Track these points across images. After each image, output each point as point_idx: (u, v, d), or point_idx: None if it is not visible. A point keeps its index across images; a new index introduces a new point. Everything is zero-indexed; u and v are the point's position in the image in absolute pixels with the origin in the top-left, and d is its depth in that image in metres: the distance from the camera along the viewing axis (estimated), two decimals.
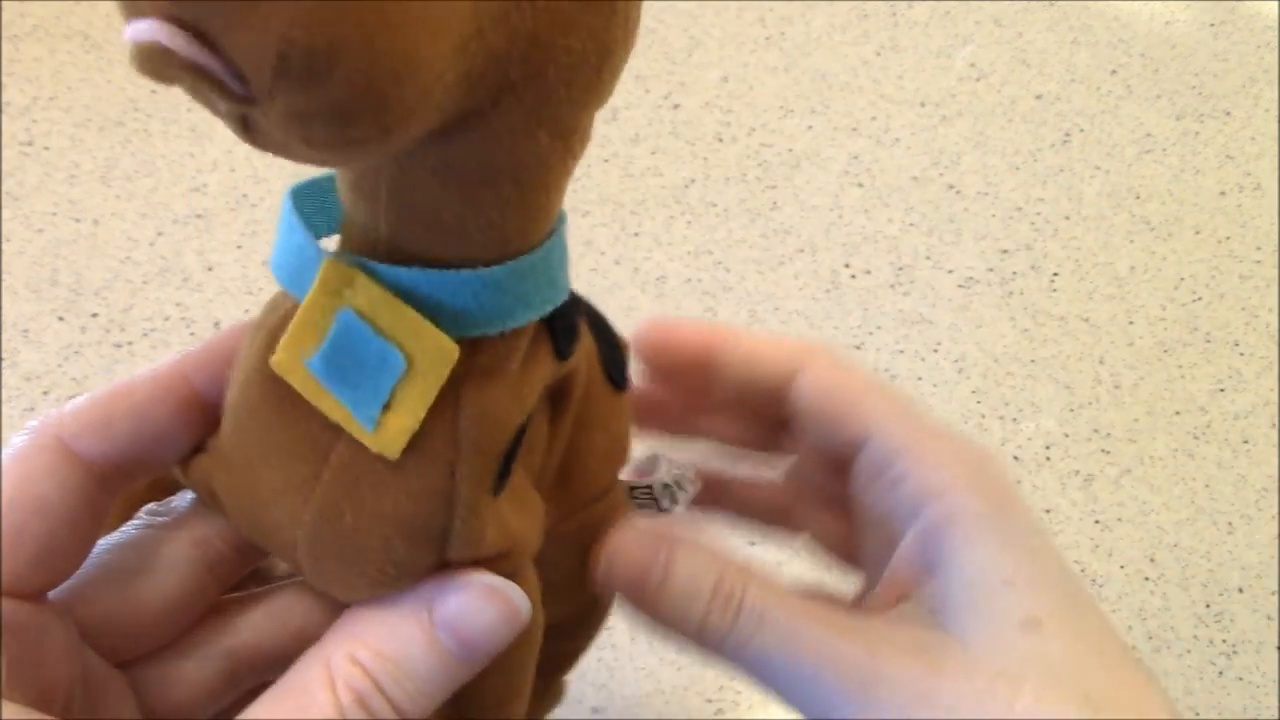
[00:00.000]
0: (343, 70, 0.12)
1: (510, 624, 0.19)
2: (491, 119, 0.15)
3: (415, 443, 0.17)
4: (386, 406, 0.16)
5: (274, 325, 0.18)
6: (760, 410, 0.26)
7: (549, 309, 0.18)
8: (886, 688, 0.19)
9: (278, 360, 0.17)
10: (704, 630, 0.21)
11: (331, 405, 0.17)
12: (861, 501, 0.24)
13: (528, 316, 0.17)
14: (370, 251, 0.17)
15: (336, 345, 0.16)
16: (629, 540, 0.22)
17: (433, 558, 0.18)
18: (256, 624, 0.21)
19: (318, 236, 0.18)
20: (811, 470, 0.27)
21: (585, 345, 0.21)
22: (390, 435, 0.17)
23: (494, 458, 0.18)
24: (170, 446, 0.20)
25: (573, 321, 0.20)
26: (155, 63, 0.12)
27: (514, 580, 0.19)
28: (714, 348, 0.25)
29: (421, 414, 0.17)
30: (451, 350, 0.16)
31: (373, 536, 0.18)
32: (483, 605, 0.19)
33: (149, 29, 0.12)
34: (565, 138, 0.16)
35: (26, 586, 0.18)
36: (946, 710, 0.19)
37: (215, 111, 0.14)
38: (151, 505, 0.21)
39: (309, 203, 0.18)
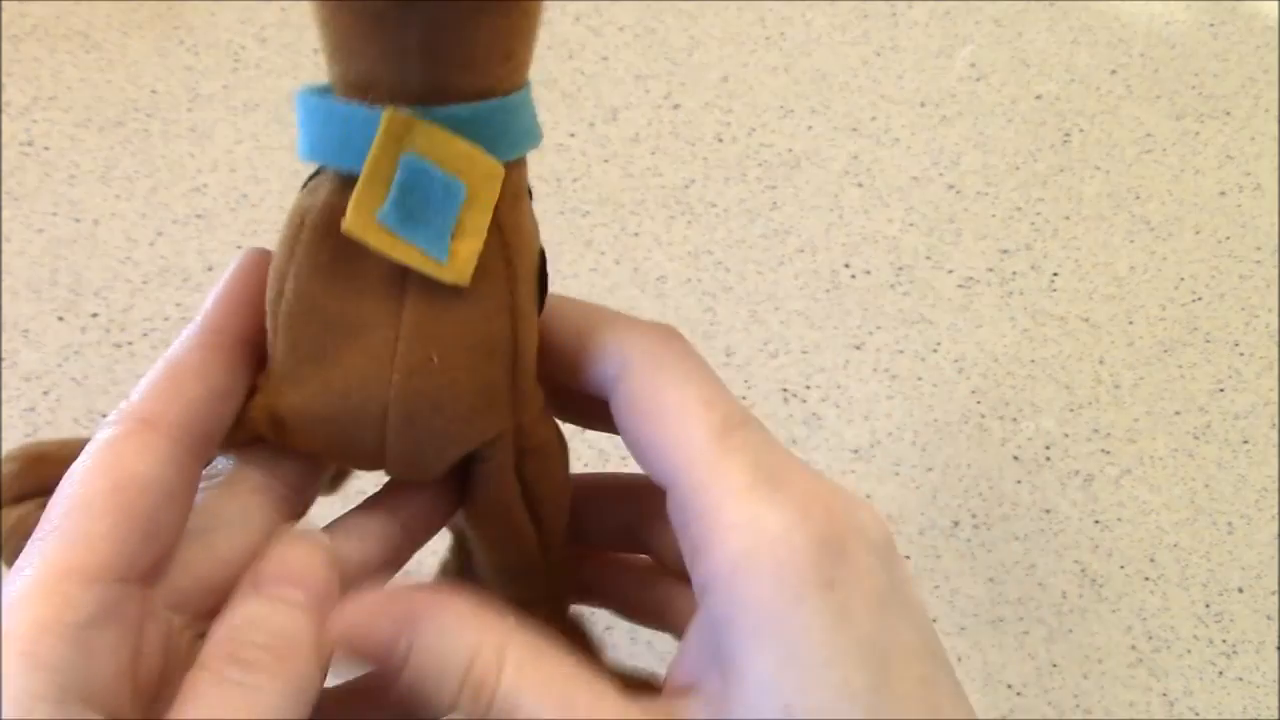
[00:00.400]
0: None
1: (315, 556, 0.20)
2: None
3: (477, 267, 0.18)
4: (454, 236, 0.18)
5: (318, 216, 0.19)
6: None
7: (539, 143, 0.20)
8: None
9: (350, 224, 0.18)
10: (462, 712, 0.19)
11: (405, 251, 0.18)
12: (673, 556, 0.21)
13: (530, 144, 0.19)
14: (405, 103, 0.18)
15: (405, 189, 0.18)
16: (367, 612, 0.19)
17: (508, 379, 0.20)
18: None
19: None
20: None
21: None
22: (461, 261, 0.18)
23: (533, 272, 0.20)
24: (236, 399, 0.20)
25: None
26: None
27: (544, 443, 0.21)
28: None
29: (484, 235, 0.18)
30: (499, 169, 0.18)
31: (460, 369, 0.19)
32: (285, 553, 0.20)
33: None
34: None
35: (139, 569, 0.18)
36: None
37: None
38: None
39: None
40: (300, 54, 0.69)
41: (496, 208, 0.19)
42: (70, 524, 0.17)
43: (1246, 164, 0.70)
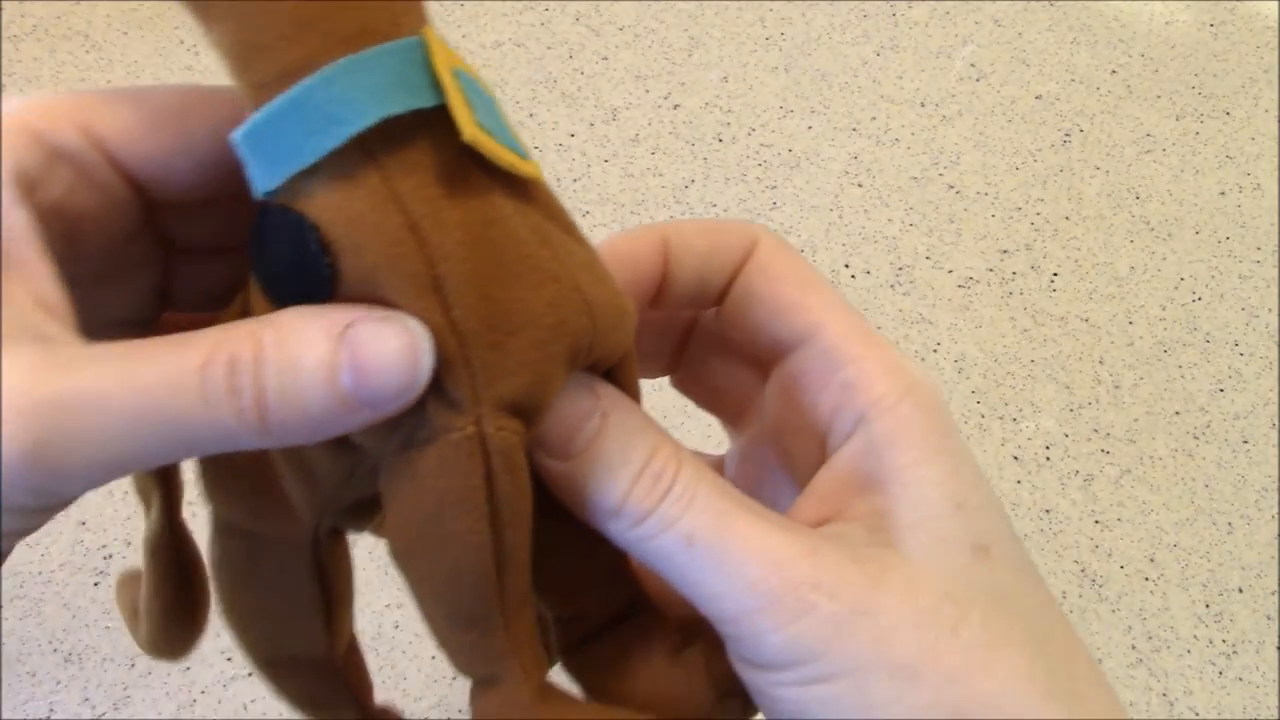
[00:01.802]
0: None
1: (409, 359, 0.17)
2: None
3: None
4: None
5: (426, 180, 0.17)
6: (702, 306, 0.23)
7: None
8: (824, 594, 0.18)
9: (470, 134, 0.16)
10: (624, 508, 0.19)
11: (505, 154, 0.17)
12: (787, 405, 0.22)
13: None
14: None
15: (472, 99, 0.17)
16: (559, 393, 0.19)
17: (584, 250, 0.19)
18: None
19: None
20: (724, 370, 0.24)
21: None
22: (531, 161, 0.18)
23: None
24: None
25: None
26: None
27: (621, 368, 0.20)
28: (668, 252, 0.22)
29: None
30: (489, 86, 0.18)
31: (586, 252, 0.19)
32: (389, 334, 0.17)
33: None
34: None
35: (133, 170, 0.18)
36: (885, 627, 0.18)
37: None
38: None
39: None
40: None
41: None
42: (111, 93, 0.18)
43: (1246, 164, 0.70)
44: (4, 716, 0.49)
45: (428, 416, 0.18)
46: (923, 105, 0.71)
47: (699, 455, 0.22)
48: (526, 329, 0.18)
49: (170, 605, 0.23)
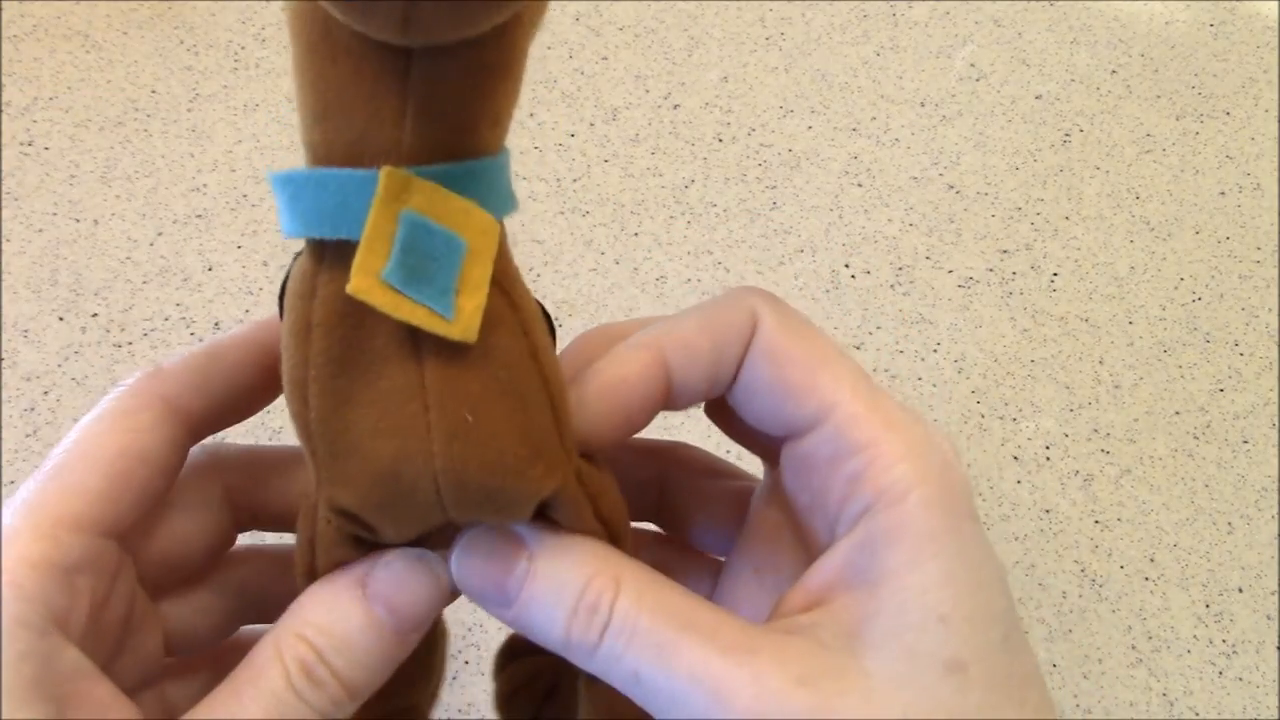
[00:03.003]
0: None
1: (435, 589, 0.20)
2: (515, 22, 0.17)
3: (486, 317, 0.18)
4: (458, 292, 0.18)
5: (322, 313, 0.18)
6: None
7: (515, 210, 0.20)
8: None
9: (355, 285, 0.17)
10: (569, 645, 0.19)
11: (411, 309, 0.18)
12: (800, 486, 0.21)
13: (510, 209, 0.20)
14: (398, 164, 0.18)
15: (407, 247, 0.18)
16: (482, 544, 0.20)
17: (551, 423, 0.19)
18: (264, 568, 0.23)
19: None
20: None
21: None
22: (467, 317, 0.18)
23: (539, 318, 0.20)
24: (253, 403, 0.22)
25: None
26: None
27: (587, 485, 0.20)
28: (669, 369, 0.21)
29: (486, 289, 0.18)
30: (495, 224, 0.18)
31: (497, 420, 0.19)
32: (409, 575, 0.20)
33: None
34: (528, 45, 0.19)
35: (122, 528, 0.20)
36: None
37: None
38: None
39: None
40: None
41: (495, 268, 0.19)
42: (73, 476, 0.19)
43: (1246, 164, 0.70)
44: None
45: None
46: (923, 105, 0.71)
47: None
48: (358, 459, 0.19)
49: None
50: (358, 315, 0.18)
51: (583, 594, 0.19)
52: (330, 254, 0.18)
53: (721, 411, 0.24)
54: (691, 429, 0.48)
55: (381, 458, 0.19)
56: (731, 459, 0.27)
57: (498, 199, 0.19)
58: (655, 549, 0.26)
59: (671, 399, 0.21)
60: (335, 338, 0.18)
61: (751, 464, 0.26)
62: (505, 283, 0.19)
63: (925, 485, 0.19)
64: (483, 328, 0.18)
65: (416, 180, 0.18)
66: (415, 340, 0.18)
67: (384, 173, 0.17)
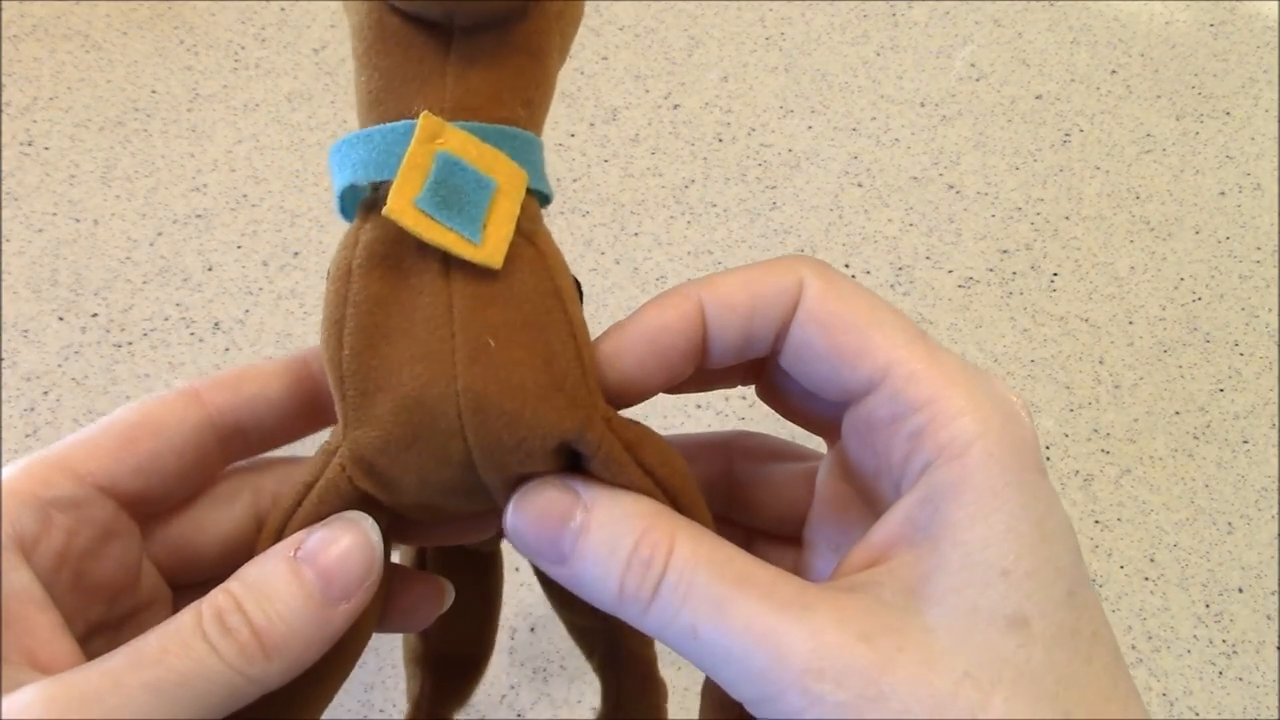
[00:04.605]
0: None
1: (363, 552, 0.20)
2: (540, 11, 0.20)
3: (513, 256, 0.20)
4: (485, 223, 0.20)
5: (364, 253, 0.20)
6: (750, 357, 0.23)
7: (550, 200, 0.22)
8: (831, 681, 0.17)
9: (391, 207, 0.19)
10: (622, 601, 0.19)
11: (441, 233, 0.19)
12: (863, 448, 0.21)
13: (544, 188, 0.22)
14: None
15: (439, 179, 0.19)
16: (538, 497, 0.20)
17: (574, 360, 0.20)
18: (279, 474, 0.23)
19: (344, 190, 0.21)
20: (802, 392, 0.23)
21: None
22: (493, 244, 0.19)
23: (567, 271, 0.21)
24: (285, 421, 0.23)
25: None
26: None
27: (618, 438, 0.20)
28: (706, 319, 0.21)
29: (513, 224, 0.20)
30: (522, 173, 0.20)
31: (518, 347, 0.19)
32: (341, 533, 0.20)
33: None
34: (561, 53, 0.21)
35: (120, 490, 0.20)
36: (898, 711, 0.16)
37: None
38: None
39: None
40: (300, 54, 0.69)
41: (524, 224, 0.20)
42: (86, 435, 0.20)
43: (1246, 164, 0.70)
44: None
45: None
46: (923, 105, 0.71)
47: (752, 432, 0.23)
48: (387, 391, 0.19)
49: None
50: (395, 256, 0.20)
51: (636, 548, 0.19)
52: (373, 212, 0.20)
53: (774, 393, 0.24)
54: (691, 430, 0.48)
55: (408, 384, 0.19)
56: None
57: (530, 167, 0.21)
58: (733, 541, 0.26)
59: (706, 354, 0.21)
60: (374, 277, 0.20)
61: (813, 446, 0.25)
62: (534, 236, 0.21)
63: (987, 438, 0.18)
64: (509, 266, 0.19)
65: (451, 127, 0.20)
66: (447, 277, 0.19)
67: (422, 116, 0.19)
